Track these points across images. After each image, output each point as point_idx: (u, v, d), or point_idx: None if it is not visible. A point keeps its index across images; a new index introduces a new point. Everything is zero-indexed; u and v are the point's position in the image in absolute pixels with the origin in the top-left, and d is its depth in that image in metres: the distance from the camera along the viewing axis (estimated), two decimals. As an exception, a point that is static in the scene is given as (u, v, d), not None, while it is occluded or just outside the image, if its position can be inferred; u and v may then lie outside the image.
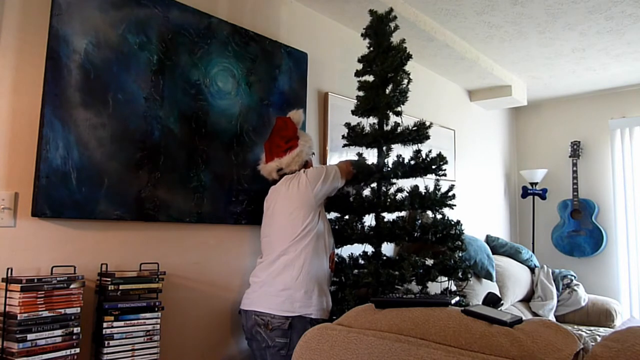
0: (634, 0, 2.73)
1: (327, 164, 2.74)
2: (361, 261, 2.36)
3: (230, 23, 2.28)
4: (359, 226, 2.31)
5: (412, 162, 2.27)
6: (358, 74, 2.39)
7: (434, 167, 2.25)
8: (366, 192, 2.38)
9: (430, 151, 2.28)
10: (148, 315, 1.77)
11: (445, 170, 2.28)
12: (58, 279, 1.56)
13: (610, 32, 3.15)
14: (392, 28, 2.33)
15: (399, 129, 2.27)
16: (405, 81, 2.28)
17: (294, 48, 2.58)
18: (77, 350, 1.58)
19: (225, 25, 2.25)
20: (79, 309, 1.60)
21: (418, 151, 2.27)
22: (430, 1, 2.78)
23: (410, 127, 2.26)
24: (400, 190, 2.29)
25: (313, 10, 2.81)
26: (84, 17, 1.78)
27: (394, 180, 2.32)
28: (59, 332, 1.54)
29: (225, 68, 2.24)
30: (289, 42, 2.59)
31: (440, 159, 2.24)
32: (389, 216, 2.34)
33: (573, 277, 4.05)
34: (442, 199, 2.23)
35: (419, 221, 2.28)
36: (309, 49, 2.70)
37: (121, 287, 1.72)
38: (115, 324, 1.70)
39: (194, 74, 2.12)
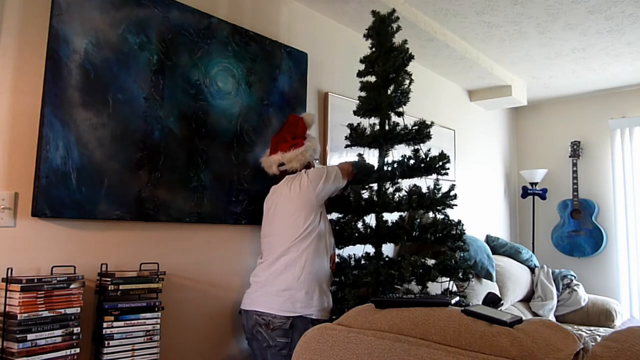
0: (634, 0, 2.73)
1: (328, 165, 2.74)
2: (363, 262, 2.35)
3: (230, 23, 2.28)
4: (359, 226, 2.31)
5: (412, 162, 2.26)
6: (360, 74, 2.39)
7: (436, 166, 2.24)
8: (365, 192, 2.38)
9: (429, 150, 2.27)
10: (148, 315, 1.77)
11: (448, 169, 2.27)
12: (58, 279, 1.56)
13: (610, 32, 3.15)
14: (395, 29, 2.33)
15: (399, 129, 2.26)
16: (407, 82, 2.28)
17: (294, 48, 2.58)
18: (77, 350, 1.58)
19: (225, 25, 2.25)
20: (79, 309, 1.60)
21: (416, 150, 2.27)
22: (430, 1, 2.78)
23: (410, 127, 2.26)
24: (398, 190, 2.28)
25: (313, 10, 2.81)
26: (84, 17, 1.78)
27: (398, 180, 2.31)
28: (59, 332, 1.54)
29: (225, 68, 2.24)
30: (289, 42, 2.59)
31: (442, 158, 2.23)
32: (390, 216, 2.34)
33: (573, 277, 4.04)
34: (442, 199, 2.22)
35: (418, 221, 2.27)
36: (309, 49, 2.70)
37: (121, 287, 1.72)
38: (115, 324, 1.70)
39: (194, 74, 2.12)
